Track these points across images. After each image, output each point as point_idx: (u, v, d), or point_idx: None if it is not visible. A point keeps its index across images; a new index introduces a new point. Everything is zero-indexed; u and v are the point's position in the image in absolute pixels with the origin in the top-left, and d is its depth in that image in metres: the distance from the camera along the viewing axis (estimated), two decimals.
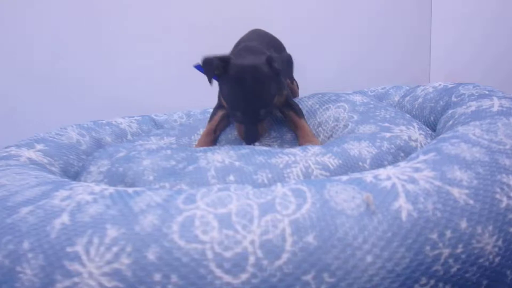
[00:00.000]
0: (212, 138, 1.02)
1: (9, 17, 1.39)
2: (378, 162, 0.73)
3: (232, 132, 1.03)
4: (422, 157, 0.56)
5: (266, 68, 0.85)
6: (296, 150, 0.73)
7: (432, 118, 0.99)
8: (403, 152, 0.78)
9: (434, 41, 1.65)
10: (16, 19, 1.40)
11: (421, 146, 0.82)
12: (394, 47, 1.66)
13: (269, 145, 0.97)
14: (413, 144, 0.81)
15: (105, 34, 1.48)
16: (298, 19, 1.55)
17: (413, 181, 0.49)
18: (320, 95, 1.13)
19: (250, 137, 0.91)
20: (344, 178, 0.52)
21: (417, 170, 0.51)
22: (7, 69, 1.42)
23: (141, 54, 1.53)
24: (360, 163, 0.72)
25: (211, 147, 0.79)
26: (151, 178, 0.69)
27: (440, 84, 1.07)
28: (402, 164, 0.56)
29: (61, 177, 0.83)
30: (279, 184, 0.50)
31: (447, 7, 1.60)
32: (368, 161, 0.72)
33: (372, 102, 1.04)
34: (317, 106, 1.06)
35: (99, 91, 1.50)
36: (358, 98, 1.06)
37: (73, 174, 0.90)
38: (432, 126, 0.98)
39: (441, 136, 0.68)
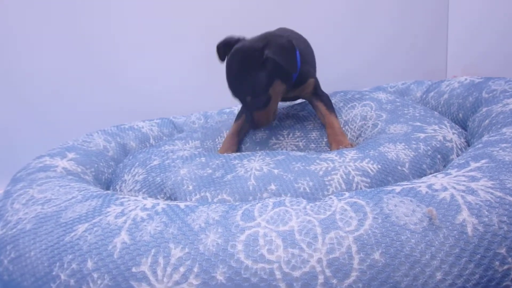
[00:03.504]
0: (237, 140, 1.01)
1: (23, 14, 1.37)
2: (417, 166, 0.73)
3: (257, 133, 1.03)
4: (474, 164, 0.56)
5: (256, 55, 0.82)
6: (333, 155, 0.73)
7: (460, 115, 0.98)
8: (439, 154, 0.77)
9: (451, 34, 1.63)
10: (27, 16, 1.39)
11: (457, 146, 0.81)
12: (411, 40, 1.65)
13: (295, 145, 0.97)
14: (449, 144, 0.80)
15: (120, 36, 1.46)
16: (318, 19, 1.53)
17: (472, 191, 0.48)
18: (342, 93, 1.12)
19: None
20: (398, 188, 0.51)
21: (473, 179, 0.51)
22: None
23: (155, 56, 1.52)
24: (399, 167, 0.71)
25: (244, 154, 0.79)
26: (190, 188, 0.69)
27: (466, 79, 1.06)
28: (453, 172, 0.55)
29: (94, 185, 0.83)
30: (334, 198, 0.50)
31: (464, 2, 1.58)
32: (407, 165, 0.72)
33: (398, 100, 1.03)
34: (341, 104, 1.06)
35: (114, 94, 1.49)
36: (382, 96, 1.05)
37: (105, 181, 0.90)
38: (461, 123, 0.97)
39: (486, 139, 0.68)
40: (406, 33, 1.64)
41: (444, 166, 0.76)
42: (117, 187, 0.81)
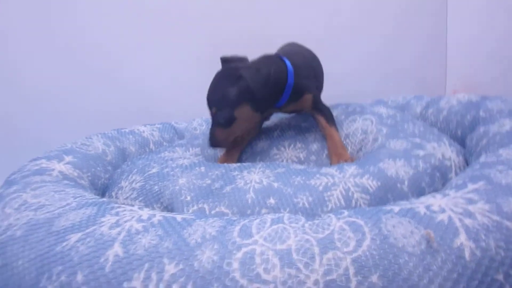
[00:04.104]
0: (237, 149, 1.01)
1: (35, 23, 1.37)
2: (416, 184, 0.72)
3: (258, 143, 1.02)
4: (472, 186, 0.55)
5: (234, 73, 0.86)
6: (333, 170, 0.72)
7: (459, 132, 0.98)
8: (438, 172, 0.77)
9: (450, 45, 1.64)
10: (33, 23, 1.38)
11: (455, 165, 0.81)
12: (410, 51, 1.65)
13: (295, 156, 0.97)
14: (448, 163, 0.80)
15: (122, 36, 1.46)
16: (318, 27, 1.53)
17: (469, 214, 0.48)
18: (344, 106, 1.12)
19: (209, 137, 0.92)
20: (396, 208, 0.51)
21: (470, 201, 0.51)
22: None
23: (157, 58, 1.52)
24: (399, 185, 0.71)
25: (245, 165, 0.78)
26: (188, 198, 0.68)
27: (464, 96, 1.06)
28: (451, 193, 0.55)
29: (90, 190, 0.82)
30: (333, 216, 0.50)
31: (463, 10, 1.58)
32: (406, 182, 0.72)
33: (398, 115, 1.04)
34: (343, 117, 1.06)
35: (115, 97, 1.49)
36: (383, 110, 1.05)
37: (101, 186, 0.89)
38: (460, 141, 0.97)
39: (483, 160, 0.68)
40: (406, 43, 1.65)
41: (443, 185, 0.76)
42: (113, 193, 0.80)
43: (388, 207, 0.52)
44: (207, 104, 0.91)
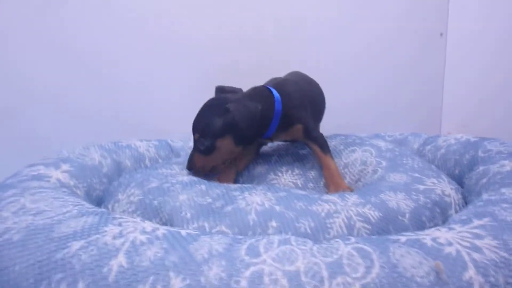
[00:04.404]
0: (235, 171, 1.01)
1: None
2: (416, 217, 0.73)
3: (255, 167, 1.02)
4: (477, 222, 0.56)
5: (222, 105, 0.88)
6: (335, 197, 0.72)
7: (457, 171, 0.99)
8: (439, 208, 0.78)
9: (447, 87, 1.68)
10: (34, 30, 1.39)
11: (455, 202, 0.81)
12: (406, 91, 1.69)
13: (293, 182, 0.96)
14: (448, 199, 0.81)
15: (121, 49, 1.46)
16: (318, 61, 1.56)
17: (477, 249, 0.48)
18: (343, 137, 1.13)
19: (188, 162, 0.94)
20: (403, 239, 0.51)
21: (477, 236, 0.51)
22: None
23: (153, 76, 1.52)
24: (400, 217, 0.71)
25: (245, 186, 0.78)
26: (188, 215, 0.67)
27: (462, 136, 1.08)
28: (456, 227, 0.55)
29: (85, 201, 0.81)
30: (340, 241, 0.49)
31: (461, 53, 1.64)
32: (407, 215, 0.72)
33: (397, 149, 1.05)
34: (342, 147, 1.07)
35: (111, 112, 1.48)
36: (382, 144, 1.07)
37: (96, 198, 0.87)
38: (457, 179, 0.97)
39: (486, 197, 0.68)
40: (403, 84, 1.69)
41: (443, 222, 0.76)
42: (109, 206, 0.79)
43: (394, 237, 0.52)
44: (192, 128, 0.93)
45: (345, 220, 0.66)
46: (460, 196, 0.86)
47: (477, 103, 1.65)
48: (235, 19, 1.52)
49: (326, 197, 0.72)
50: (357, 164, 0.97)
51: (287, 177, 0.96)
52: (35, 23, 1.38)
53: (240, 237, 0.50)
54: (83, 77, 1.44)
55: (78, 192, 0.82)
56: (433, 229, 0.57)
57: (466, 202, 0.86)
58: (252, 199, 0.70)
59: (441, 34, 1.62)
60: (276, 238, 0.49)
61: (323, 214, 0.67)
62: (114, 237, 0.49)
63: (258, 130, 0.93)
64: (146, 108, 1.51)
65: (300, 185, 0.95)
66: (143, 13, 1.46)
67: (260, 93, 0.95)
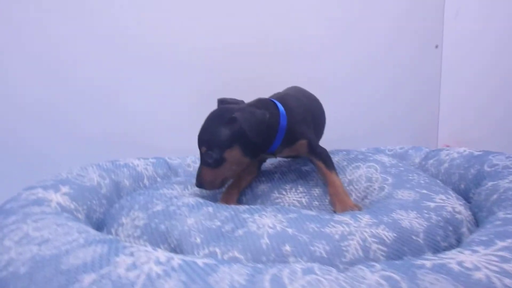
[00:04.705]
0: (237, 191, 0.99)
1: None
2: (430, 237, 0.71)
3: (258, 185, 1.00)
4: (501, 243, 0.54)
5: (228, 114, 0.86)
6: (347, 218, 0.70)
7: (462, 186, 0.98)
8: (451, 226, 0.76)
9: (443, 99, 1.69)
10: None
11: (465, 219, 0.80)
12: (403, 103, 1.70)
13: (297, 201, 0.95)
14: (459, 216, 0.79)
15: (119, 66, 1.44)
16: (318, 79, 1.56)
17: (507, 274, 0.46)
18: (345, 153, 1.12)
19: (196, 178, 0.90)
20: (428, 263, 0.49)
21: (504, 260, 0.49)
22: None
23: (150, 93, 1.49)
24: (414, 237, 0.69)
25: (254, 207, 0.76)
26: (198, 240, 0.65)
27: (465, 150, 1.08)
28: (480, 249, 0.53)
29: (86, 224, 0.77)
30: (365, 269, 0.47)
31: (457, 66, 1.65)
32: (421, 235, 0.70)
33: (401, 164, 1.04)
34: (345, 163, 1.05)
35: (108, 128, 1.45)
36: (386, 159, 1.05)
37: (96, 221, 0.84)
38: (462, 194, 0.96)
39: (503, 215, 0.67)
40: (399, 97, 1.69)
41: (456, 240, 0.75)
42: (113, 230, 0.76)
43: (418, 262, 0.50)
44: (198, 142, 0.90)
45: (360, 242, 0.64)
46: (469, 212, 0.85)
47: (472, 113, 1.66)
48: (233, 34, 1.51)
49: (338, 217, 0.70)
50: (362, 181, 0.95)
51: (292, 195, 0.94)
52: (30, 41, 1.35)
53: (260, 266, 0.48)
54: (76, 94, 1.41)
55: (79, 216, 0.79)
56: (454, 251, 0.56)
57: (475, 218, 0.85)
58: (263, 221, 0.68)
59: (437, 46, 1.63)
60: (299, 267, 0.47)
61: (337, 237, 0.65)
62: (128, 269, 0.46)
63: (265, 140, 0.90)
64: (142, 126, 1.49)
65: (305, 203, 0.93)
66: (140, 30, 1.44)
67: (266, 105, 0.93)
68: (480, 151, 1.04)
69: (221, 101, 0.99)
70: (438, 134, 1.72)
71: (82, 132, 1.41)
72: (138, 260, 0.48)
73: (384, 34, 1.63)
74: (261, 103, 0.94)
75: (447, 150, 1.14)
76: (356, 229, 0.67)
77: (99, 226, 0.83)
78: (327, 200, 0.94)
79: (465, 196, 0.95)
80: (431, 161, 1.15)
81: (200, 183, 0.89)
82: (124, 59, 1.44)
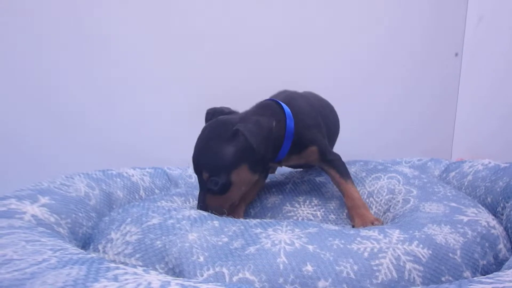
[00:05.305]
0: (243, 204, 0.88)
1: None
2: (468, 254, 0.61)
3: (268, 197, 0.90)
4: None
5: (228, 127, 0.73)
6: (375, 233, 0.61)
7: (489, 199, 0.89)
8: (487, 242, 0.67)
9: (459, 114, 1.61)
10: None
11: (501, 235, 0.71)
12: (418, 116, 1.62)
13: (312, 214, 0.85)
14: (494, 232, 0.70)
15: (117, 74, 1.37)
16: (327, 88, 1.49)
17: None
18: (362, 163, 1.03)
19: (198, 202, 0.77)
20: None
21: None
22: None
23: (149, 102, 1.42)
24: (451, 255, 0.60)
25: (267, 221, 0.65)
26: (201, 259, 0.54)
27: (490, 162, 0.99)
28: None
29: (69, 240, 0.67)
30: None
31: (475, 80, 1.57)
32: (458, 252, 0.61)
33: (424, 176, 0.95)
34: (364, 174, 0.96)
35: (105, 137, 1.37)
36: (407, 170, 0.97)
37: (82, 236, 0.73)
38: (490, 208, 0.87)
39: None
40: (415, 110, 1.62)
41: (494, 258, 0.65)
42: (100, 247, 0.65)
43: (473, 286, 0.41)
44: (194, 167, 0.76)
45: (393, 260, 0.55)
46: (502, 227, 0.75)
47: (490, 127, 1.58)
48: (231, 43, 1.45)
49: (365, 232, 0.61)
50: (384, 193, 0.86)
51: (305, 209, 0.85)
52: (29, 60, 1.29)
53: None
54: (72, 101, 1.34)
55: (61, 230, 0.68)
56: (509, 272, 0.46)
57: (508, 234, 0.76)
58: (278, 237, 0.58)
59: (456, 54, 1.55)
60: None
61: (366, 255, 0.55)
62: None
63: (273, 150, 0.79)
64: (138, 134, 1.40)
65: (320, 217, 0.83)
66: (135, 39, 1.38)
67: (269, 109, 0.82)
68: (507, 163, 0.95)
69: (212, 113, 0.84)
70: (452, 148, 1.64)
71: (79, 140, 1.33)
72: (123, 286, 0.37)
73: (402, 42, 1.56)
74: (263, 109, 0.82)
75: (470, 162, 1.05)
76: (387, 245, 0.57)
77: (86, 242, 0.72)
78: (344, 213, 0.84)
79: (493, 210, 0.86)
80: (452, 174, 1.06)
81: (206, 210, 0.75)
82: (123, 63, 1.38)
